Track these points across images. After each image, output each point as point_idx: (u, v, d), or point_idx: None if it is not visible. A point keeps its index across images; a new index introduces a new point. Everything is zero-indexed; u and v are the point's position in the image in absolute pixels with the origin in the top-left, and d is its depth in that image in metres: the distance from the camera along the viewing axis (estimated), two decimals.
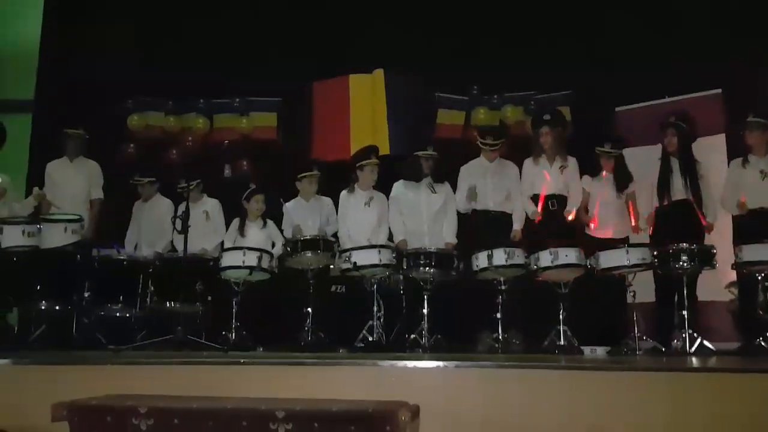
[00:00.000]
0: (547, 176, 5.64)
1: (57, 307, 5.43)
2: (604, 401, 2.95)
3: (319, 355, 4.17)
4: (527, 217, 5.69)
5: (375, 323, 5.23)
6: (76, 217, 5.51)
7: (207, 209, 6.09)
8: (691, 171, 5.45)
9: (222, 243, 6.01)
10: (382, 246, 5.41)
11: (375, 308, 5.28)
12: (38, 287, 5.38)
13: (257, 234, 5.95)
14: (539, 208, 5.60)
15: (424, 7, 7.35)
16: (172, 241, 6.07)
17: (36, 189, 5.76)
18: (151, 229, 6.18)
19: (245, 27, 7.59)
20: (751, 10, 6.44)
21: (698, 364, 3.75)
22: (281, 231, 6.00)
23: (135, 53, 7.70)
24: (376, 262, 5.24)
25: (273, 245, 5.92)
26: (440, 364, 3.20)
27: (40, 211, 5.81)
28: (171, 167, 7.46)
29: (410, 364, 3.19)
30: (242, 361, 3.30)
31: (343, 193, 5.93)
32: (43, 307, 5.41)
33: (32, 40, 8.14)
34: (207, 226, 6.02)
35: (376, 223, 5.81)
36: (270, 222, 6.05)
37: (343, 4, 7.50)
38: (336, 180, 6.20)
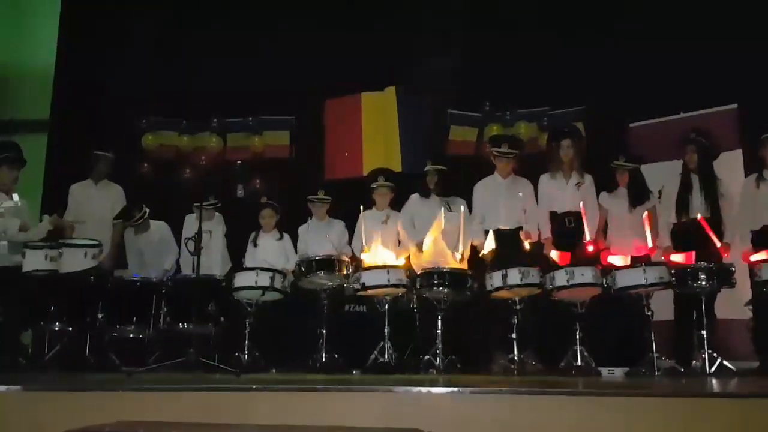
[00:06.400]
0: (562, 194, 5.60)
1: (70, 328, 5.43)
2: (623, 428, 2.89)
3: (331, 379, 4.14)
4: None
5: (386, 344, 5.17)
6: (96, 243, 5.54)
7: (211, 229, 6.03)
8: (711, 188, 5.37)
9: (222, 262, 6.09)
10: (391, 266, 5.37)
11: (386, 329, 5.22)
12: (52, 308, 5.39)
13: (270, 245, 6.02)
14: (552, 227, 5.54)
15: (435, 24, 7.35)
16: (178, 260, 6.09)
17: (46, 216, 5.77)
18: (155, 253, 6.18)
19: (258, 45, 7.62)
20: (766, 22, 6.37)
21: (719, 388, 3.66)
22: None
23: (149, 73, 7.76)
24: (385, 282, 5.20)
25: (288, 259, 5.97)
26: (454, 389, 3.15)
27: (63, 234, 5.83)
28: (185, 186, 7.53)
29: (424, 389, 3.14)
30: (254, 387, 3.26)
31: (365, 212, 5.99)
32: (56, 328, 5.42)
33: (47, 60, 8.22)
34: (209, 245, 5.93)
35: (396, 240, 5.87)
36: (286, 236, 6.09)
37: (355, 22, 7.53)
38: (348, 198, 6.20)
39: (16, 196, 5.58)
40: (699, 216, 5.22)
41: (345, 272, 5.41)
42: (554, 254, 5.47)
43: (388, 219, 5.94)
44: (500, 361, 5.17)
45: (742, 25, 6.45)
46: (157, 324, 5.48)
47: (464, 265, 5.41)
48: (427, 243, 5.47)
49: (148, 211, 6.15)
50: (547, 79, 7.05)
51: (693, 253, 5.18)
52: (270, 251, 5.97)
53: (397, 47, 7.29)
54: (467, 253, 5.64)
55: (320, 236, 5.92)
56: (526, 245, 5.45)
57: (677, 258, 5.25)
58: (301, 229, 6.03)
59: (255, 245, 6.02)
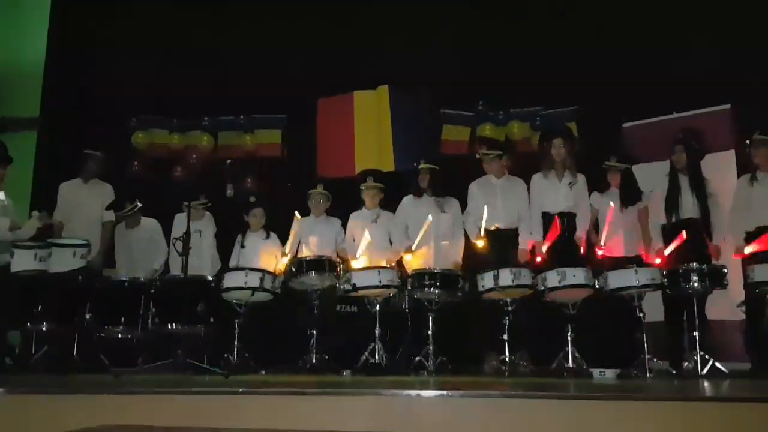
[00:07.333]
0: (555, 194, 5.57)
1: (58, 329, 5.36)
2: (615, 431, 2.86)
3: (321, 381, 4.10)
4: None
5: (377, 345, 5.14)
6: (84, 242, 5.47)
7: (201, 228, 5.99)
8: (700, 189, 5.35)
9: (212, 262, 6.03)
10: (382, 267, 5.33)
11: (377, 330, 5.19)
12: (40, 308, 5.33)
13: (258, 245, 5.94)
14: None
15: (429, 23, 7.31)
16: (167, 260, 6.04)
17: (36, 212, 5.68)
18: (144, 251, 6.13)
19: (250, 44, 7.57)
20: (760, 24, 6.36)
21: (712, 391, 3.63)
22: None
23: (139, 71, 7.70)
24: (376, 283, 5.17)
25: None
26: (443, 392, 3.12)
27: (52, 234, 5.75)
28: (176, 185, 7.47)
29: (413, 393, 3.11)
30: (240, 390, 3.22)
31: (354, 213, 5.98)
32: (44, 329, 5.35)
33: (37, 57, 8.15)
34: (199, 245, 5.88)
35: (386, 240, 5.83)
36: (273, 234, 6.03)
37: (348, 21, 7.49)
38: (340, 197, 6.16)
39: (2, 195, 5.51)
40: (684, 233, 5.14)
41: (336, 273, 5.38)
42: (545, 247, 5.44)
43: (377, 218, 5.89)
44: (492, 362, 5.15)
45: (736, 25, 6.44)
46: (145, 324, 5.42)
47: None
48: (418, 244, 5.43)
49: (140, 205, 6.10)
50: (540, 79, 7.02)
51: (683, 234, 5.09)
52: (258, 251, 5.89)
53: (389, 45, 7.26)
54: (461, 254, 5.62)
55: (315, 233, 5.89)
56: (524, 245, 5.41)
57: (670, 249, 5.17)
58: (301, 221, 5.99)
59: (243, 246, 5.93)
